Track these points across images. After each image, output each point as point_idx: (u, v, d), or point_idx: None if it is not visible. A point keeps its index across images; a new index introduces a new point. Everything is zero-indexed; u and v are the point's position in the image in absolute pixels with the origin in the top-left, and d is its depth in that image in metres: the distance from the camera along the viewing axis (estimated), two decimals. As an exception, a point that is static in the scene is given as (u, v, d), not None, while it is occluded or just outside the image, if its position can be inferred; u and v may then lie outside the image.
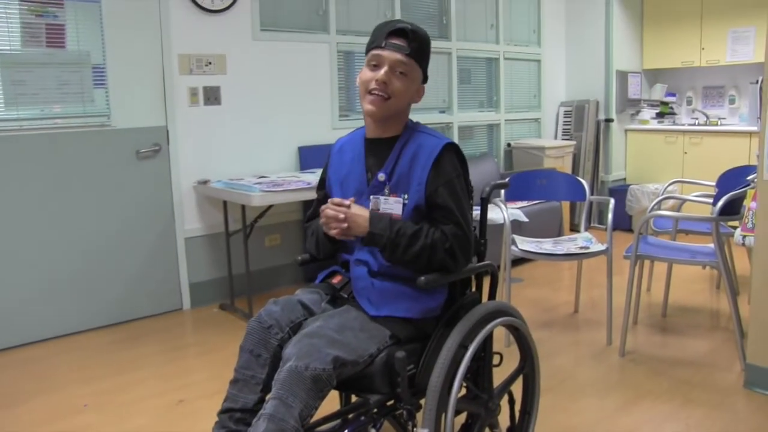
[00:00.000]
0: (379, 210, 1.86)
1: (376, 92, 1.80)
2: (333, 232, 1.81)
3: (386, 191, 1.86)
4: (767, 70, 2.65)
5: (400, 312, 1.83)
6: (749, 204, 2.87)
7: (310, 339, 1.64)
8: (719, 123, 5.97)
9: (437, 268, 1.81)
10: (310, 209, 2.09)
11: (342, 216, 1.78)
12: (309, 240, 2.02)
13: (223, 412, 1.75)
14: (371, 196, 1.88)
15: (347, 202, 1.81)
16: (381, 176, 1.87)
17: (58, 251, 3.59)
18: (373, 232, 1.78)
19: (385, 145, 1.90)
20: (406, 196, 1.84)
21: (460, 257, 1.81)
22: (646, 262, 3.97)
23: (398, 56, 1.80)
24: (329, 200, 1.83)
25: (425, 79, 1.92)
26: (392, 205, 1.85)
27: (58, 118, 3.55)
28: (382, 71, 1.80)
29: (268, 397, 1.61)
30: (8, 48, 3.36)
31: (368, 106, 1.83)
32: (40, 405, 2.81)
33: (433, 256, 1.78)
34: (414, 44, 1.81)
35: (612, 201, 3.57)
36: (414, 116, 1.97)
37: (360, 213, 1.81)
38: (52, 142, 3.52)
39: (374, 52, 1.83)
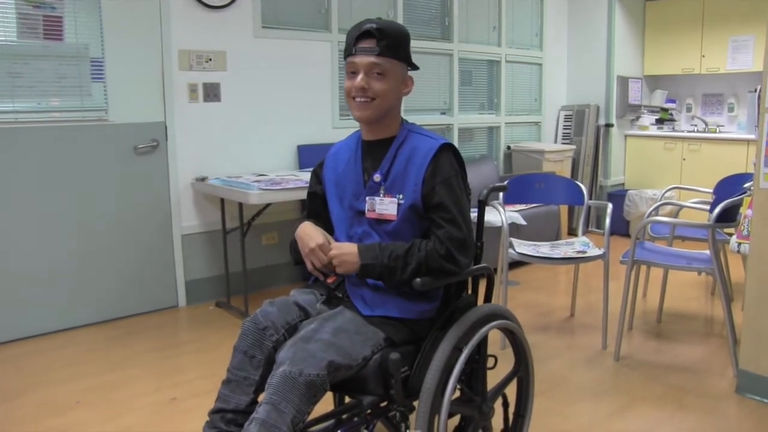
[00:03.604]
0: (375, 210, 1.86)
1: (359, 98, 1.81)
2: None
3: (381, 192, 1.86)
4: (765, 79, 2.65)
5: (394, 312, 1.83)
6: (745, 211, 2.88)
7: (304, 343, 1.64)
8: (718, 130, 5.97)
9: (440, 275, 1.80)
10: (304, 212, 2.10)
11: (326, 259, 1.82)
12: (293, 252, 2.00)
13: (215, 412, 1.74)
14: (367, 197, 1.88)
15: (327, 242, 1.83)
16: (377, 177, 1.87)
17: (53, 246, 3.57)
18: (365, 264, 1.78)
19: (382, 147, 1.90)
20: (401, 197, 1.84)
21: (460, 258, 1.80)
22: (643, 268, 3.97)
23: (370, 59, 1.79)
24: (311, 247, 1.83)
25: (414, 66, 1.90)
26: (387, 206, 1.85)
27: (56, 112, 3.54)
28: (359, 77, 1.80)
29: (260, 401, 1.60)
30: (4, 39, 3.34)
31: (356, 113, 1.84)
32: (33, 401, 2.80)
33: (432, 266, 1.78)
34: (384, 42, 1.79)
35: (610, 206, 3.56)
36: (414, 117, 1.97)
37: (347, 250, 1.81)
38: (48, 135, 3.51)
39: (348, 59, 1.83)
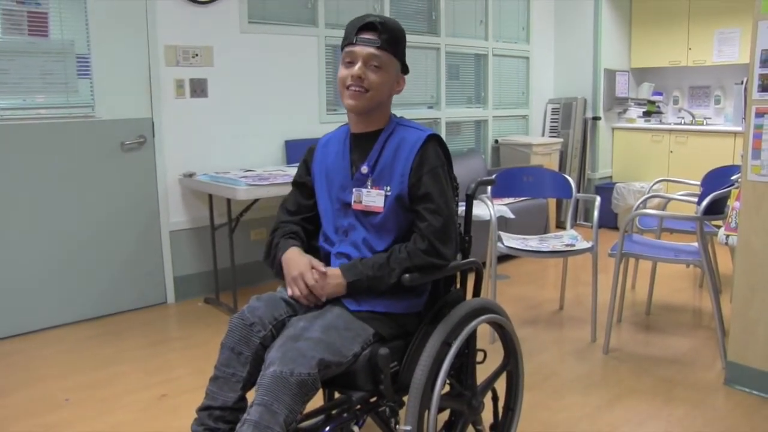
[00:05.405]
0: (361, 202, 1.86)
1: (353, 87, 1.81)
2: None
3: (369, 184, 1.86)
4: (752, 71, 2.66)
5: (381, 307, 1.83)
6: (733, 204, 2.89)
7: (294, 342, 1.63)
8: (705, 123, 6.01)
9: (427, 270, 1.81)
10: (287, 201, 2.07)
11: (312, 285, 1.81)
12: (267, 257, 1.98)
13: (203, 409, 1.73)
14: (354, 189, 1.88)
15: (312, 270, 1.82)
16: (364, 169, 1.87)
17: (41, 244, 3.54)
18: (351, 282, 1.80)
19: (370, 139, 1.90)
20: (388, 188, 1.84)
21: (443, 250, 1.80)
22: (631, 260, 3.99)
23: (370, 50, 1.81)
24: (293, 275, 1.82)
25: (405, 69, 1.92)
26: (374, 198, 1.85)
27: (41, 109, 3.50)
28: (357, 66, 1.81)
29: (251, 402, 1.59)
30: (-11, 36, 3.31)
31: (348, 101, 1.84)
32: (21, 399, 2.78)
33: (416, 263, 1.79)
34: (385, 36, 1.82)
35: (598, 199, 3.57)
36: (402, 111, 1.97)
37: (330, 273, 1.81)
38: (34, 132, 3.47)
39: (347, 49, 1.84)
